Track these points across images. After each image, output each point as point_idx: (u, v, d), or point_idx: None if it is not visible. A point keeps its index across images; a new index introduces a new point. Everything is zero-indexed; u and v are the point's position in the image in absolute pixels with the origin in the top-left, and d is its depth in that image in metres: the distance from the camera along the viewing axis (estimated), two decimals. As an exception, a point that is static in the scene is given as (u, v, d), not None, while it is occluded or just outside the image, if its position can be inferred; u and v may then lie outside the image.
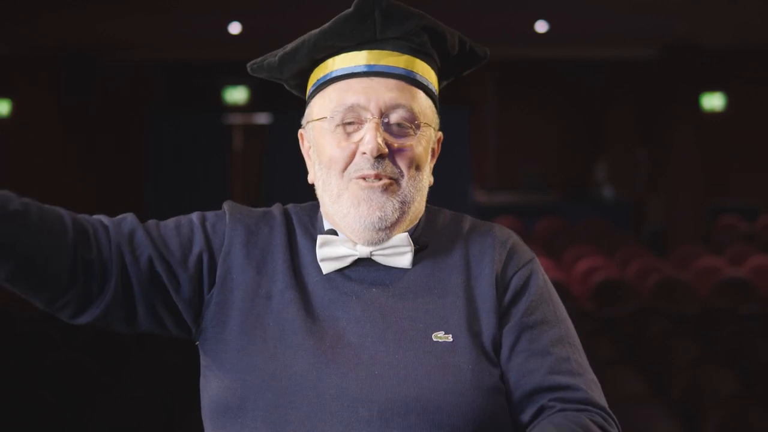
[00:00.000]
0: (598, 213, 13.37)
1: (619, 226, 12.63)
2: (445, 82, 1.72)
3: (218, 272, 1.56)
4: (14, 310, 7.39)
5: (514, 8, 10.21)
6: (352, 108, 1.54)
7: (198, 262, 1.56)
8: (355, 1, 1.57)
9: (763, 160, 14.12)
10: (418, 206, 1.60)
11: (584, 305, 7.98)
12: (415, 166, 1.57)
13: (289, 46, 1.62)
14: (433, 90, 1.63)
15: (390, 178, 1.54)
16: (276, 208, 1.66)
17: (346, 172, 1.55)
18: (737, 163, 14.15)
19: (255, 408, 1.48)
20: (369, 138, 1.52)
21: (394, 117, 1.55)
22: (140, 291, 1.53)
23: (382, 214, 1.54)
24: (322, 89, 1.59)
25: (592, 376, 1.57)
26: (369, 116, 1.54)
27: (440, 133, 1.68)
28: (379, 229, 1.54)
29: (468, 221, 1.66)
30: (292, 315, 1.52)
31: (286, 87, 1.71)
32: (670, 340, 6.02)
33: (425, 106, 1.60)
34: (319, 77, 1.61)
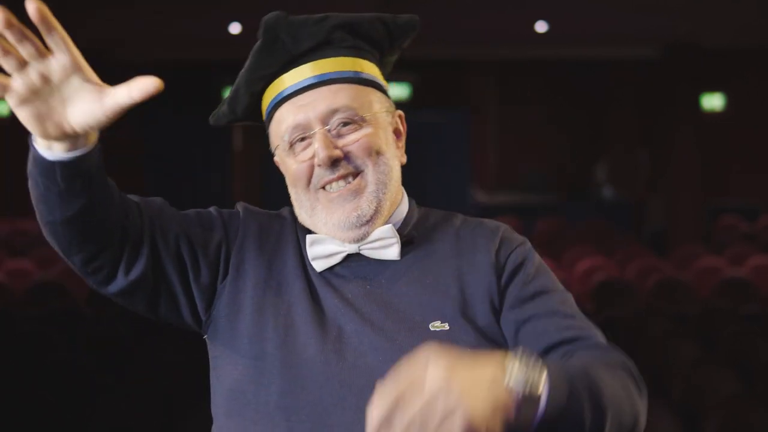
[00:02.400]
0: (598, 213, 13.36)
1: (619, 226, 12.62)
2: (392, 59, 1.76)
3: (232, 263, 1.62)
4: (14, 310, 7.39)
5: (514, 8, 10.21)
6: (296, 127, 1.61)
7: (217, 249, 1.62)
8: (259, 32, 1.62)
9: (763, 160, 14.12)
10: (393, 189, 1.65)
11: (584, 305, 7.97)
12: (375, 152, 1.61)
13: (230, 92, 1.69)
14: (374, 78, 1.67)
15: (355, 173, 1.60)
16: (285, 210, 1.73)
17: (311, 185, 1.61)
18: (737, 163, 14.15)
19: (268, 393, 1.53)
20: (318, 149, 1.59)
21: (336, 119, 1.60)
22: (167, 268, 1.57)
23: (360, 212, 1.60)
24: (272, 116, 1.66)
25: (593, 326, 1.59)
26: (313, 129, 1.60)
27: (399, 112, 1.72)
28: (361, 225, 1.60)
29: (459, 218, 1.72)
30: (302, 306, 1.58)
31: (258, 124, 1.76)
32: (670, 341, 6.02)
33: (368, 99, 1.63)
34: (266, 108, 1.67)
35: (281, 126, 1.63)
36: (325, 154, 1.57)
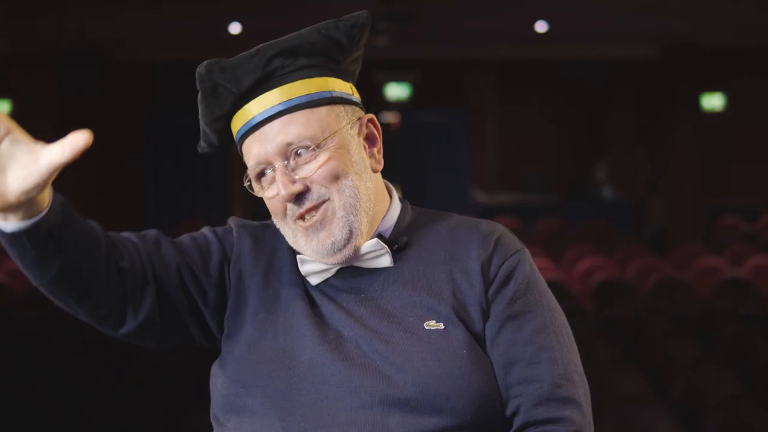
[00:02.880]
0: (598, 213, 13.37)
1: (619, 226, 12.63)
2: (355, 55, 1.68)
3: (231, 277, 1.63)
4: (14, 310, 7.39)
5: (514, 8, 10.21)
6: (258, 164, 1.59)
7: (219, 270, 1.62)
8: (196, 84, 1.61)
9: (763, 160, 14.12)
10: (368, 206, 1.61)
11: (584, 305, 7.98)
12: (335, 177, 1.57)
13: (201, 130, 1.68)
14: (332, 94, 1.61)
15: (322, 202, 1.57)
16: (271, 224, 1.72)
17: (287, 218, 1.60)
18: (737, 163, 14.16)
19: (264, 395, 1.54)
20: (279, 188, 1.57)
21: (292, 152, 1.57)
22: (174, 301, 1.59)
23: (333, 239, 1.57)
24: (241, 145, 1.63)
25: (574, 365, 1.58)
26: (272, 164, 1.58)
27: (368, 116, 1.66)
28: (338, 250, 1.58)
29: (455, 218, 1.68)
30: (300, 310, 1.59)
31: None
32: (670, 340, 6.02)
33: (324, 121, 1.58)
34: (236, 132, 1.64)
35: (248, 161, 1.62)
36: (286, 192, 1.56)
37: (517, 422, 1.55)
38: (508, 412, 1.56)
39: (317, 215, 1.57)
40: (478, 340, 1.57)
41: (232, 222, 1.71)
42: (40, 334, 6.18)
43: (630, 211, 13.91)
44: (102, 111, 13.35)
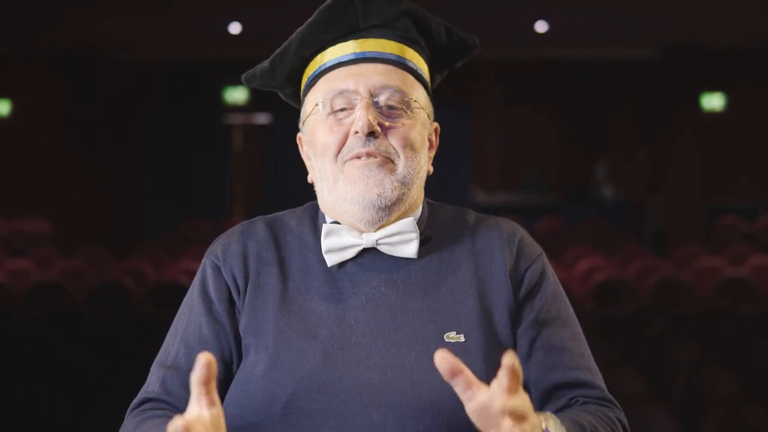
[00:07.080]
0: (598, 213, 13.36)
1: (619, 226, 12.62)
2: (439, 77, 1.72)
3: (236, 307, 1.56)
4: (14, 310, 7.38)
5: (514, 8, 10.22)
6: (341, 93, 1.55)
7: (235, 317, 1.56)
8: None
9: (763, 160, 14.11)
10: (417, 192, 1.60)
11: (584, 305, 7.97)
12: (410, 145, 1.56)
13: (278, 49, 1.63)
14: (424, 77, 1.63)
15: (384, 156, 1.53)
16: (259, 223, 1.64)
17: (340, 156, 1.54)
18: (737, 163, 14.15)
19: (262, 426, 1.46)
20: (359, 115, 1.51)
21: (384, 98, 1.55)
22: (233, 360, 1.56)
23: (381, 190, 1.53)
24: (314, 84, 1.60)
25: (597, 370, 1.60)
26: (359, 98, 1.53)
27: (436, 124, 1.67)
28: (379, 208, 1.53)
29: (472, 215, 1.66)
30: (295, 322, 1.51)
31: (282, 96, 1.71)
32: (670, 340, 6.02)
33: (417, 90, 1.60)
34: (309, 74, 1.61)
35: (324, 91, 1.56)
36: (365, 121, 1.50)
37: (573, 393, 1.52)
38: (551, 410, 1.51)
39: (378, 158, 1.52)
40: (501, 346, 1.51)
41: (214, 262, 1.59)
42: (40, 334, 6.18)
43: (630, 211, 13.90)
44: (102, 111, 13.34)
